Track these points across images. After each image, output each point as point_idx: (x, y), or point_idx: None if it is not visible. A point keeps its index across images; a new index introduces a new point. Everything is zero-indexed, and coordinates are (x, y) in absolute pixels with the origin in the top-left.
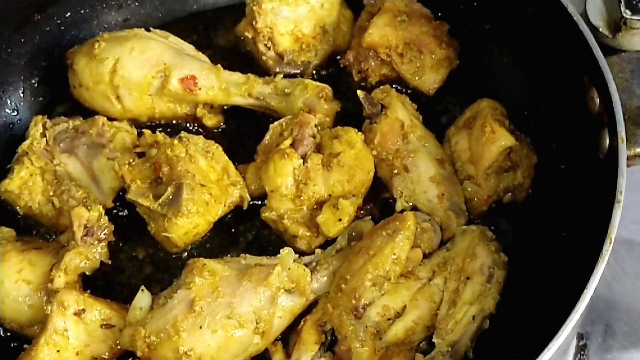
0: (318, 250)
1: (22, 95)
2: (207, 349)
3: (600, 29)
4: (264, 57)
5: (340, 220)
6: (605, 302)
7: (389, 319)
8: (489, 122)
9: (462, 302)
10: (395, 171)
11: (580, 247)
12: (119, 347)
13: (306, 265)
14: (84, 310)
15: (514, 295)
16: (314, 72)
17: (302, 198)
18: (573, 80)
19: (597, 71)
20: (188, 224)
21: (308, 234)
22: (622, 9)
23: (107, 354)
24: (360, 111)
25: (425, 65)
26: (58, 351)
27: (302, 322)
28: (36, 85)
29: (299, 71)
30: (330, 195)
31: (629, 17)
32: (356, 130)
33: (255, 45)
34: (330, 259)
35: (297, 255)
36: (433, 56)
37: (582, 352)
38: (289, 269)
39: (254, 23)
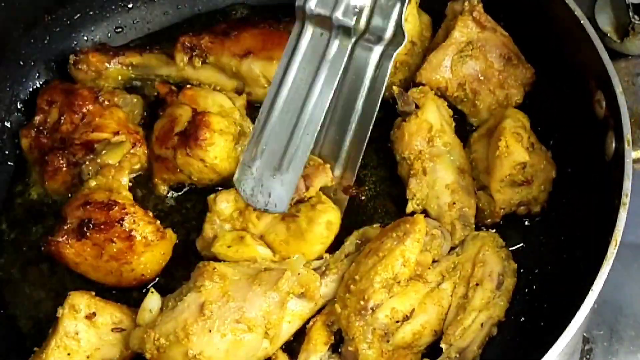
0: (326, 255)
1: (30, 96)
2: (216, 352)
3: (608, 34)
4: None
5: (229, 247)
6: (612, 307)
7: (397, 322)
8: (505, 136)
9: (471, 308)
10: (413, 172)
11: (586, 250)
12: (129, 351)
13: (315, 270)
14: (94, 313)
15: (518, 296)
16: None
17: (239, 217)
18: (580, 84)
19: (604, 75)
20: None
21: (209, 238)
22: (631, 14)
23: (117, 357)
24: None
25: (482, 105)
26: (69, 354)
27: (311, 323)
28: (45, 86)
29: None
30: (260, 236)
31: (637, 22)
32: (336, 215)
33: None
34: (339, 263)
35: (306, 260)
36: (492, 97)
37: (587, 356)
38: (299, 273)
39: None
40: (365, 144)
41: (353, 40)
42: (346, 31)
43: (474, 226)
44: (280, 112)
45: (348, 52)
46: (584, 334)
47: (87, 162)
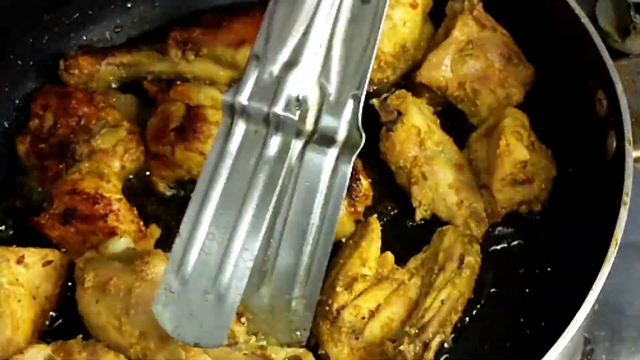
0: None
1: (26, 99)
2: (93, 319)
3: (609, 33)
4: None
5: None
6: (613, 308)
7: (362, 318)
8: (505, 135)
9: (432, 290)
10: (414, 180)
11: (587, 249)
12: (62, 279)
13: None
14: (23, 256)
15: (518, 297)
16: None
17: None
18: (581, 83)
19: (605, 74)
20: None
21: None
22: (632, 13)
23: (55, 290)
24: None
25: (482, 104)
26: (19, 301)
27: None
28: (39, 90)
29: (375, 88)
30: None
31: (638, 21)
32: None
33: None
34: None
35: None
36: (492, 96)
37: (588, 357)
38: None
39: None
40: (327, 260)
41: (302, 141)
42: (289, 127)
43: (487, 220)
44: (209, 226)
45: (292, 149)
46: (585, 335)
47: (81, 143)
